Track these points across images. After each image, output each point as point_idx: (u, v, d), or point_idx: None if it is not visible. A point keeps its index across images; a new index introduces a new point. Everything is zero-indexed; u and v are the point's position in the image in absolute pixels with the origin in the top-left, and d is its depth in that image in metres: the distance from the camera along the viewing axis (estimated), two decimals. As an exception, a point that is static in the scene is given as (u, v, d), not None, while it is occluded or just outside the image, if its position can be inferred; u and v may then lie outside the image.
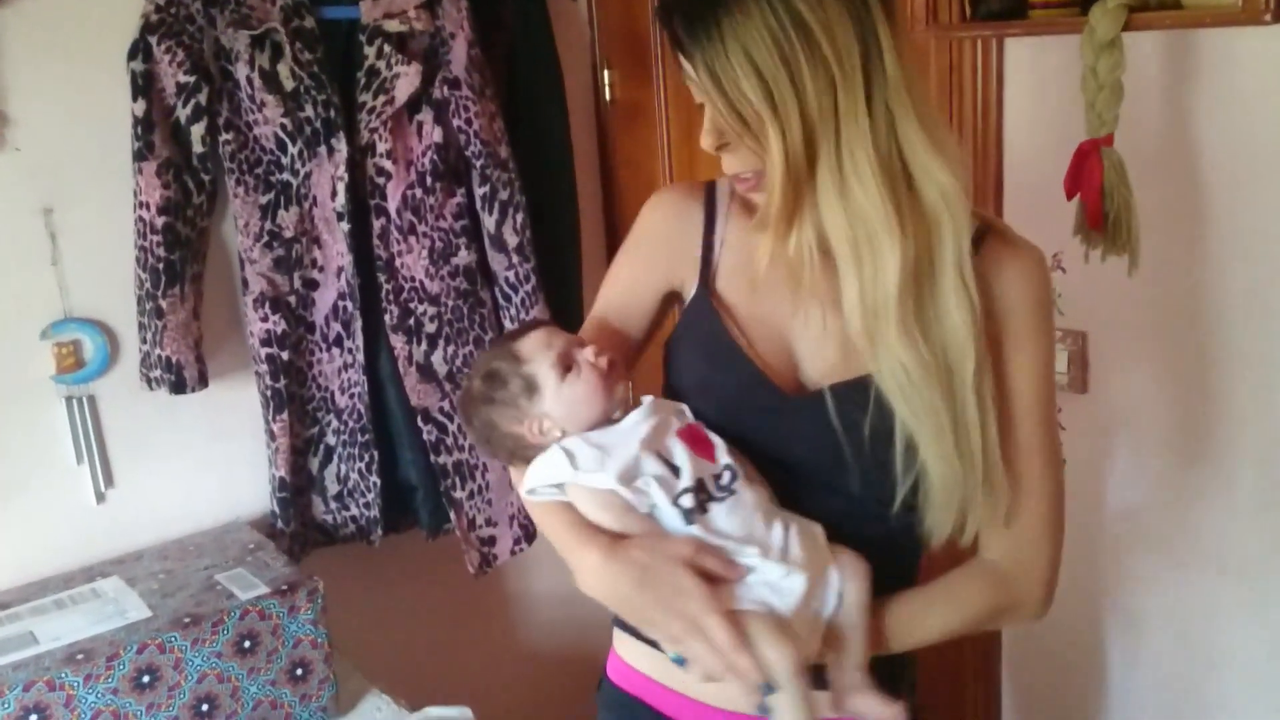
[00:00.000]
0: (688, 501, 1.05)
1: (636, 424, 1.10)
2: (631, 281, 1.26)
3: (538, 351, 1.12)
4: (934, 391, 1.04)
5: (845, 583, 1.06)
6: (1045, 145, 1.76)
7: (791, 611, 1.03)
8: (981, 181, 1.84)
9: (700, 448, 1.09)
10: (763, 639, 0.99)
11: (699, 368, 1.17)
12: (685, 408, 1.14)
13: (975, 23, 1.61)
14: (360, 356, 2.08)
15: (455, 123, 2.10)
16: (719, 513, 1.05)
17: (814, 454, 1.10)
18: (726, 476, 1.07)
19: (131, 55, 1.89)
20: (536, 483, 1.10)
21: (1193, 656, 1.81)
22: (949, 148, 1.03)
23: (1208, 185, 1.60)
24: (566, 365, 1.11)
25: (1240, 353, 1.63)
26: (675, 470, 1.06)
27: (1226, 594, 1.74)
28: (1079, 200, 1.55)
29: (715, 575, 1.02)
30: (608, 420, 1.12)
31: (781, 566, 1.03)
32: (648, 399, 1.14)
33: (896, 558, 1.15)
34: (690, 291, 1.20)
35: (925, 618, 1.14)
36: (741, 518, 1.05)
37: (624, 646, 1.27)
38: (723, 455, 1.09)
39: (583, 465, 1.07)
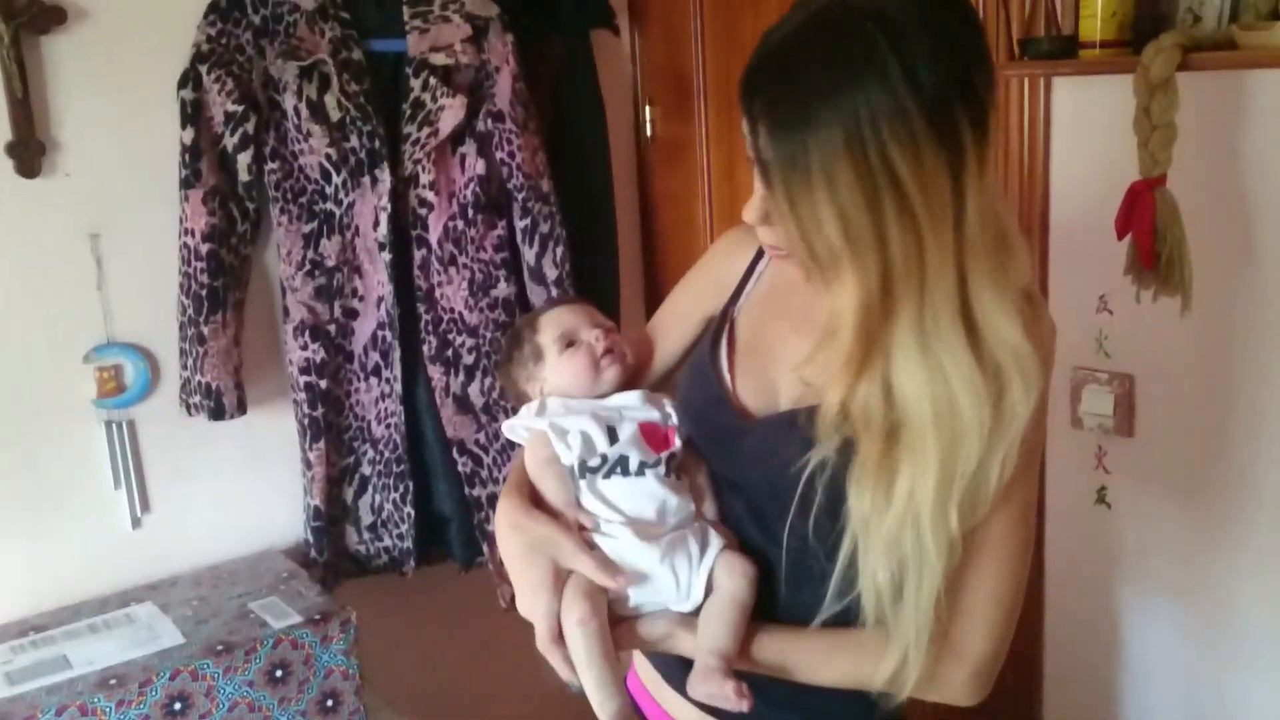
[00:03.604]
0: (594, 462, 1.13)
1: (611, 400, 1.20)
2: (677, 308, 1.32)
3: (550, 325, 1.25)
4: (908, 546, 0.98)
5: (721, 576, 1.09)
6: (1092, 185, 1.75)
7: (634, 579, 1.08)
8: (1027, 221, 1.82)
9: (652, 440, 1.15)
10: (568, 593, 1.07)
11: (684, 382, 1.22)
12: (672, 412, 1.20)
13: (1025, 62, 1.61)
14: (398, 386, 2.08)
15: (498, 155, 2.11)
16: (615, 484, 1.12)
17: (766, 484, 1.08)
18: (650, 463, 1.13)
19: (182, 84, 1.91)
20: (515, 420, 1.22)
21: (1218, 676, 1.77)
22: (1011, 299, 0.95)
23: (1260, 228, 1.58)
24: (569, 341, 1.22)
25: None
26: (613, 440, 1.14)
27: (1249, 649, 1.70)
28: (1130, 240, 1.53)
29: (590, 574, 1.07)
30: (595, 396, 1.22)
31: (637, 540, 1.08)
32: (642, 390, 1.23)
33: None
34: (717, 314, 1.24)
35: (808, 650, 1.07)
36: (633, 497, 1.11)
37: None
38: (664, 454, 1.15)
39: (546, 413, 1.18)
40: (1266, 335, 1.61)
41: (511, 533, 1.11)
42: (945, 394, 0.95)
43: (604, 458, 1.13)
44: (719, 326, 1.20)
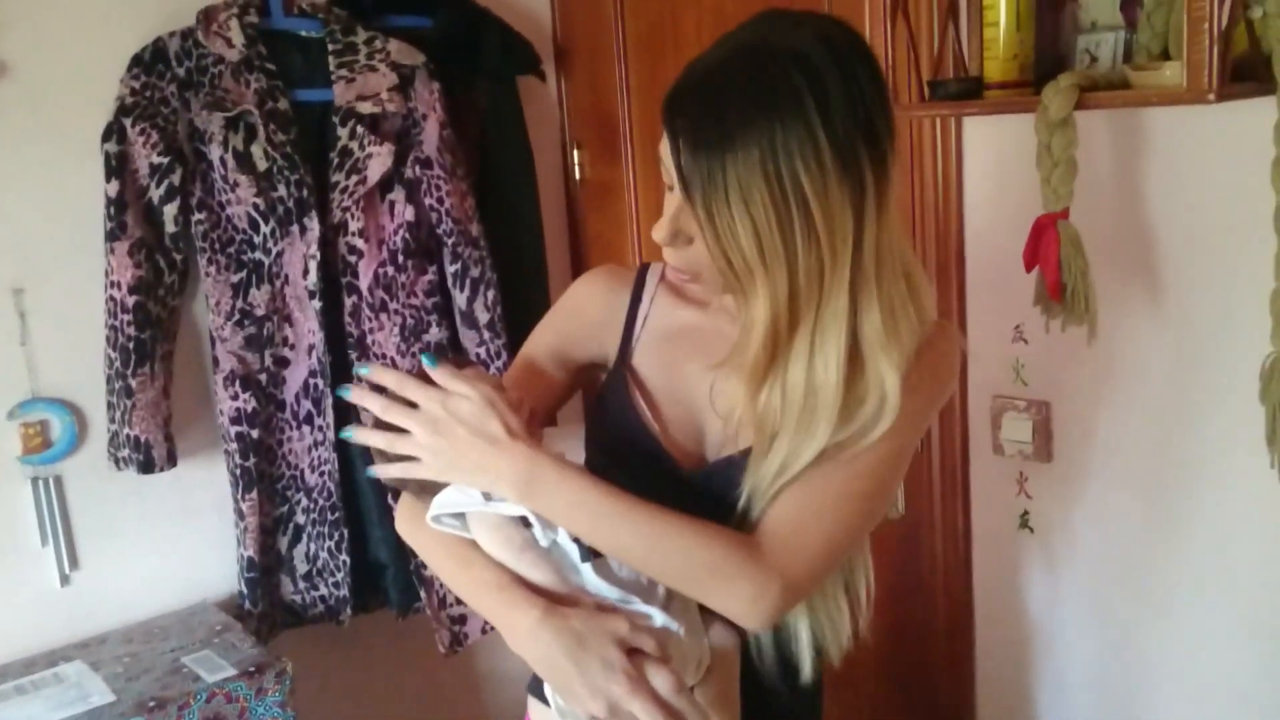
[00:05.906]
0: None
1: None
2: (551, 344, 1.29)
3: None
4: None
5: (713, 654, 1.11)
6: (1004, 220, 1.81)
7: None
8: (943, 256, 1.88)
9: None
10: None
11: (611, 438, 1.21)
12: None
13: (934, 103, 1.66)
14: (331, 434, 2.08)
15: (427, 201, 2.13)
16: (614, 560, 1.09)
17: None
18: None
19: (106, 137, 1.91)
20: (441, 510, 1.11)
21: (1134, 688, 1.83)
22: (904, 332, 1.04)
23: (1160, 256, 1.65)
24: None
25: (1196, 420, 1.67)
26: None
27: (1165, 663, 1.76)
28: (1038, 272, 1.59)
29: (648, 654, 1.04)
30: None
31: (662, 614, 1.07)
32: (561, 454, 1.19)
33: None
34: (610, 362, 1.24)
35: (649, 517, 1.06)
36: (631, 569, 1.09)
37: (537, 714, 1.28)
38: None
39: (496, 495, 1.07)
40: (1169, 359, 1.67)
41: (559, 635, 1.03)
42: (809, 411, 1.04)
43: None
44: (620, 375, 1.20)
